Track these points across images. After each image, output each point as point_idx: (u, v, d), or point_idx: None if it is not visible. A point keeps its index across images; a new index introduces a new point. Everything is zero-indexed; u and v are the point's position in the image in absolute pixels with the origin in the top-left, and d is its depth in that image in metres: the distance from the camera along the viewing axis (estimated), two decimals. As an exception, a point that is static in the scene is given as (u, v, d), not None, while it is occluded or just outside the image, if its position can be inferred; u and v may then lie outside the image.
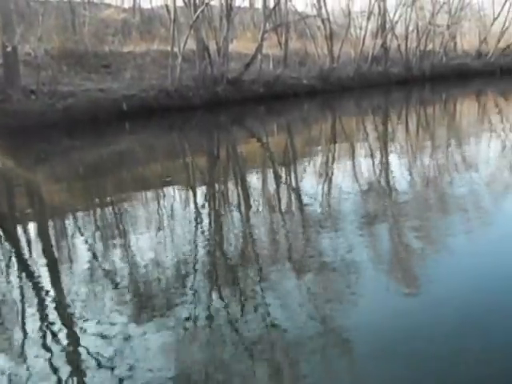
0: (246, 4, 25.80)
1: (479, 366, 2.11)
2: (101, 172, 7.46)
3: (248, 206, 4.93)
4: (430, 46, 28.16)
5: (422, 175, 5.80)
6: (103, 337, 2.50)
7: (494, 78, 25.73)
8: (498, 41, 29.36)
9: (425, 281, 2.87)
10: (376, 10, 25.35)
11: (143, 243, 3.86)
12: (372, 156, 7.21)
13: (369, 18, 24.80)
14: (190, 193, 5.81)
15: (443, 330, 2.36)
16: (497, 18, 30.46)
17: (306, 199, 4.91)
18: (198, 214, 4.77)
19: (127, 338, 2.46)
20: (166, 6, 18.94)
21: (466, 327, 2.41)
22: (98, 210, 5.14)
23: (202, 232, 4.14)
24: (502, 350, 2.23)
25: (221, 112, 14.84)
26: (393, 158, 6.97)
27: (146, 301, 2.87)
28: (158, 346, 2.39)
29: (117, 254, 3.67)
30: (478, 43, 30.37)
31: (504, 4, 30.03)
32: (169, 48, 16.01)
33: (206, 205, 5.12)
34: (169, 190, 5.87)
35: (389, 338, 2.35)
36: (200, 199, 5.49)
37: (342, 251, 3.35)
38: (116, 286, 3.09)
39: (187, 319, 2.62)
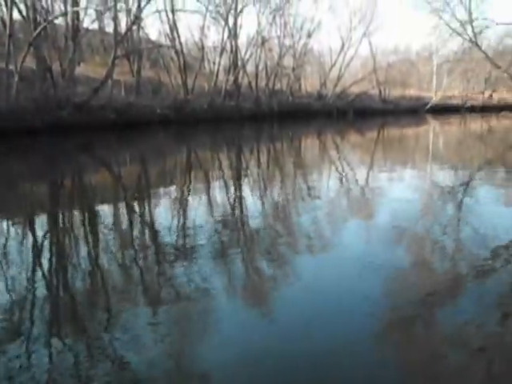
0: (96, 26, 24.66)
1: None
2: None
3: (96, 242, 4.43)
4: (278, 86, 29.70)
5: (273, 205, 5.89)
6: None
7: (332, 117, 27.86)
8: (335, 85, 32.04)
9: (275, 304, 2.93)
10: (228, 47, 25.98)
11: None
12: (226, 188, 7.20)
13: (221, 54, 25.32)
14: (28, 227, 4.99)
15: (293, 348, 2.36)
16: (334, 65, 33.38)
17: (159, 232, 4.63)
18: (35, 249, 4.14)
19: None
20: (1, 18, 17.21)
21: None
22: None
23: (39, 269, 3.60)
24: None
25: (67, 138, 13.60)
26: (246, 190, 7.01)
27: None
28: None
29: None
30: (319, 86, 32.81)
31: (339, 53, 33.04)
32: (3, 65, 14.35)
33: (46, 241, 4.48)
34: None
35: (241, 362, 2.28)
36: (39, 233, 4.80)
37: (197, 281, 3.24)
38: None
39: None
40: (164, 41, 24.29)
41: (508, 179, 7.83)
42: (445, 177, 7.91)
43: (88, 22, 27.16)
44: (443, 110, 31.32)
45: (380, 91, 34.04)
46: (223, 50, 25.37)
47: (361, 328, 2.51)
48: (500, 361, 2.22)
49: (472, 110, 31.23)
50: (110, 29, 23.05)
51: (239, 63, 26.48)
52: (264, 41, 27.70)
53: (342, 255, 3.75)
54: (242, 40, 27.73)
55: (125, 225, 5.03)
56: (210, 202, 6.04)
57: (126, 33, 19.44)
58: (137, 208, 5.83)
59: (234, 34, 25.71)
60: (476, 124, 24.44)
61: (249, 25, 28.87)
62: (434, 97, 32.40)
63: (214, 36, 25.88)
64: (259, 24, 27.26)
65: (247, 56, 27.49)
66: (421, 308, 2.74)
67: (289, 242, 4.16)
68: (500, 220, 4.80)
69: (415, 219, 4.86)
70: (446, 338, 2.41)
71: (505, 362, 2.22)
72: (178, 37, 22.86)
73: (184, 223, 4.98)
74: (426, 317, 2.65)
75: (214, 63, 26.18)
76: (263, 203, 6.00)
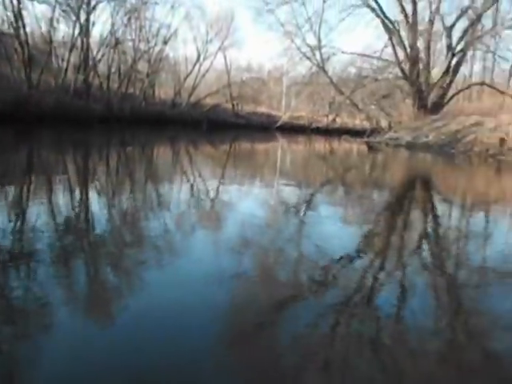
0: None
1: None
2: None
3: None
4: (131, 90, 29.21)
5: (119, 214, 5.83)
6: None
7: (186, 127, 28.20)
8: (190, 95, 32.50)
9: (118, 313, 2.90)
10: (79, 44, 24.96)
11: None
12: (71, 192, 6.96)
13: (71, 51, 24.27)
14: None
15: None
16: (189, 74, 33.84)
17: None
18: None
19: None
20: None
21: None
22: None
23: None
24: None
25: None
26: (91, 197, 6.82)
27: None
28: None
29: None
30: (173, 94, 32.95)
31: (195, 64, 33.59)
32: None
33: None
34: None
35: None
36: None
37: (34, 291, 3.10)
38: None
39: None
40: (7, 29, 22.55)
41: (345, 198, 8.68)
42: (290, 193, 8.52)
43: None
44: (291, 129, 33.34)
45: (233, 105, 35.24)
46: (73, 46, 24.36)
47: (203, 338, 2.58)
48: (333, 361, 2.49)
49: (317, 131, 33.71)
50: None
51: (90, 62, 25.57)
52: (118, 42, 27.15)
53: (187, 267, 3.81)
54: (95, 39, 26.78)
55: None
56: (50, 208, 5.77)
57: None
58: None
59: (85, 31, 24.81)
60: (320, 144, 26.43)
61: (102, 23, 28.03)
62: (283, 116, 34.35)
63: (65, 30, 24.52)
64: (113, 24, 26.68)
65: (99, 56, 26.68)
66: (264, 316, 2.92)
67: (132, 253, 4.13)
68: (337, 235, 5.33)
69: (261, 232, 5.15)
70: (286, 343, 2.61)
71: (338, 361, 2.50)
72: (23, 26, 21.43)
73: (20, 228, 4.71)
74: (268, 324, 2.82)
75: (62, 59, 24.94)
76: (108, 211, 5.91)
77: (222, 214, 6.18)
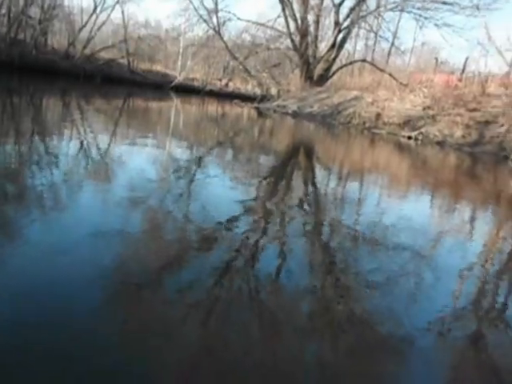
0: None
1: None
2: None
3: None
4: (21, 36, 26.97)
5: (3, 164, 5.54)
6: None
7: (79, 79, 26.72)
8: (84, 47, 30.68)
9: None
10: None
11: None
12: None
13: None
14: None
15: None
16: (84, 26, 31.84)
17: None
18: None
19: None
20: None
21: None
22: None
23: None
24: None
25: None
26: None
27: None
28: None
29: None
30: (67, 45, 30.90)
31: (91, 15, 31.65)
32: None
33: None
34: None
35: None
36: None
37: None
38: None
39: None
40: None
41: (234, 160, 8.92)
42: (181, 153, 8.55)
43: None
44: (185, 90, 32.81)
45: (129, 61, 33.78)
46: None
47: (86, 296, 2.56)
48: (214, 314, 2.61)
49: (210, 93, 33.51)
50: None
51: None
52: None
53: (70, 223, 3.69)
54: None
55: None
56: None
57: None
58: None
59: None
60: (213, 107, 26.42)
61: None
62: (179, 76, 33.68)
63: None
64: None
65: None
66: (148, 274, 2.95)
67: (11, 208, 3.95)
68: (225, 196, 5.52)
69: (150, 190, 5.15)
70: (169, 298, 2.69)
71: (219, 314, 2.64)
72: None
73: None
74: (152, 282, 2.86)
75: None
76: None
77: (110, 172, 5.99)
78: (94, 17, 31.66)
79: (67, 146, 7.38)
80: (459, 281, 3.71)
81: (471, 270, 4.03)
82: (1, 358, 1.99)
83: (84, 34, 31.63)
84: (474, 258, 4.46)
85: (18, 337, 2.13)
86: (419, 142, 17.51)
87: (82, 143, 7.73)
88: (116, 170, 6.15)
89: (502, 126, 16.67)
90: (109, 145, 7.97)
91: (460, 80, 22.87)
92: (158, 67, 37.69)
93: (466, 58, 24.60)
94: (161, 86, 32.73)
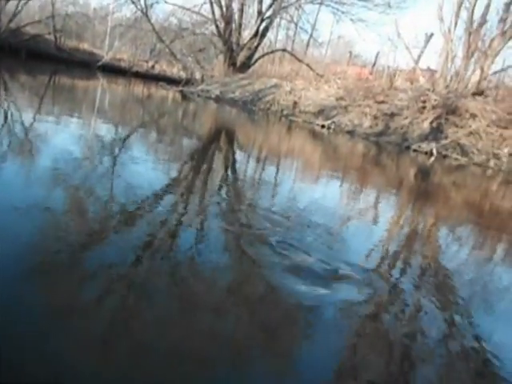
0: None
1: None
2: None
3: None
4: None
5: None
6: None
7: (3, 54, 25.01)
8: (10, 21, 28.80)
9: None
10: None
11: None
12: None
13: None
14: None
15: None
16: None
17: None
18: None
19: None
20: None
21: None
22: None
23: None
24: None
25: None
26: None
27: None
28: None
29: None
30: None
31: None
32: None
33: None
34: None
35: None
36: None
37: None
38: None
39: None
40: None
41: (157, 141, 8.96)
42: (106, 132, 8.46)
43: None
44: (112, 70, 31.73)
45: (56, 38, 32.12)
46: None
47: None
48: (134, 290, 2.70)
49: (137, 75, 32.69)
50: None
51: None
52: None
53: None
54: None
55: None
56: None
57: None
58: None
59: None
60: (138, 88, 25.88)
61: None
62: (106, 56, 32.55)
63: None
64: None
65: None
66: (69, 251, 2.96)
67: None
68: (146, 175, 5.62)
69: (73, 169, 5.09)
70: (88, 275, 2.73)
71: (139, 290, 2.75)
72: None
73: None
74: (73, 259, 2.89)
75: None
76: None
77: (34, 148, 5.89)
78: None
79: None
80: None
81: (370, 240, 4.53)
82: None
83: (9, 7, 29.68)
84: (374, 234, 4.99)
85: None
86: (331, 131, 18.19)
87: (5, 118, 7.47)
88: (39, 146, 6.02)
89: (406, 118, 17.74)
90: (33, 121, 7.73)
91: (371, 73, 23.96)
92: (86, 46, 36.14)
93: (377, 53, 25.80)
94: (88, 65, 31.46)
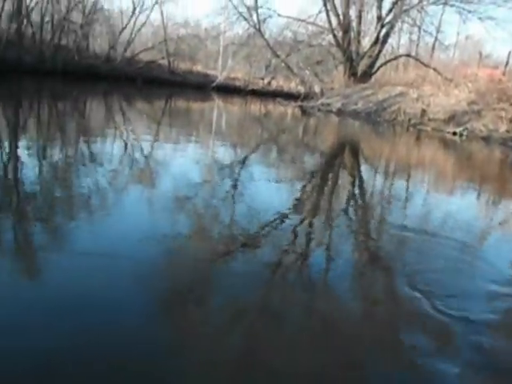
0: None
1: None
2: None
3: None
4: (64, 41, 27.49)
5: (50, 168, 5.64)
6: None
7: (121, 82, 26.93)
8: (125, 50, 30.99)
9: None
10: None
11: None
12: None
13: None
14: None
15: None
16: (124, 28, 32.10)
17: None
18: None
19: None
20: None
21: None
22: None
23: None
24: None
25: None
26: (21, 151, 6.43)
27: None
28: None
29: None
30: (107, 48, 31.28)
31: (130, 17, 31.89)
32: None
33: None
34: None
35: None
36: None
37: None
38: None
39: None
40: None
41: (278, 159, 8.72)
42: (225, 153, 8.48)
43: None
44: (227, 90, 32.74)
45: (169, 62, 33.99)
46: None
47: (140, 294, 2.61)
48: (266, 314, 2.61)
49: (253, 93, 33.31)
50: None
51: (23, 11, 23.75)
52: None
53: (120, 224, 3.74)
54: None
55: None
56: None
57: None
58: None
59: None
60: (255, 106, 26.29)
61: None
62: (220, 76, 33.65)
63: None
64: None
65: (33, 4, 24.81)
66: (199, 273, 2.99)
67: (63, 209, 4.03)
68: (270, 195, 5.44)
69: (195, 192, 5.11)
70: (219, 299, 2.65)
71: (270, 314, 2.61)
72: None
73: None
74: (203, 280, 2.92)
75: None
76: (40, 166, 5.66)
77: (156, 173, 6.07)
78: (133, 19, 31.92)
79: (112, 148, 7.48)
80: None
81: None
82: None
83: (124, 36, 31.95)
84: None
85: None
86: (464, 138, 16.83)
87: (126, 146, 7.83)
88: (160, 171, 6.17)
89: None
90: (152, 146, 8.02)
91: (504, 74, 21.88)
92: (199, 67, 37.71)
93: (510, 52, 23.50)
94: (202, 87, 32.78)
